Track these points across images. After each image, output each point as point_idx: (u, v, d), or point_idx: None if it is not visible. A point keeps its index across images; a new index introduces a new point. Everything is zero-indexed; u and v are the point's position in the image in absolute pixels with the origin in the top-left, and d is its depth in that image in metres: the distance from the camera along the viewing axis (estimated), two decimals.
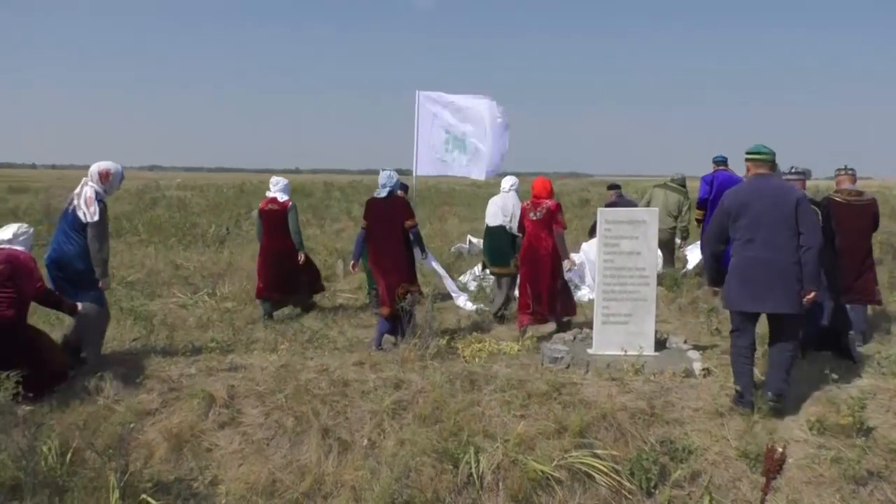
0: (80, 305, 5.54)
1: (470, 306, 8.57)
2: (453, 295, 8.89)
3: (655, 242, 6.12)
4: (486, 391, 5.01)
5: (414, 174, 9.32)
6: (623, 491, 4.17)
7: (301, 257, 8.11)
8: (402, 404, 4.88)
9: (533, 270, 7.06)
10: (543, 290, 7.01)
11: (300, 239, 8.18)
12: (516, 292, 7.84)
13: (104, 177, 5.76)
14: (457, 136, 9.20)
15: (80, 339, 5.73)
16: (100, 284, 5.70)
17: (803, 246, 4.74)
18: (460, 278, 10.07)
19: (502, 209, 8.05)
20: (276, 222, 8.09)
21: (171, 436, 4.67)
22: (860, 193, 6.75)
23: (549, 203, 7.15)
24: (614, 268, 6.09)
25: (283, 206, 8.11)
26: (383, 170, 7.11)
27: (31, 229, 5.65)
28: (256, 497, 4.21)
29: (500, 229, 8.04)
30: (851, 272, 6.49)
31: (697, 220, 9.72)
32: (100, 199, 5.66)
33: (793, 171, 6.29)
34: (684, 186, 10.15)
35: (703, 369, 5.60)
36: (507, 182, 8.32)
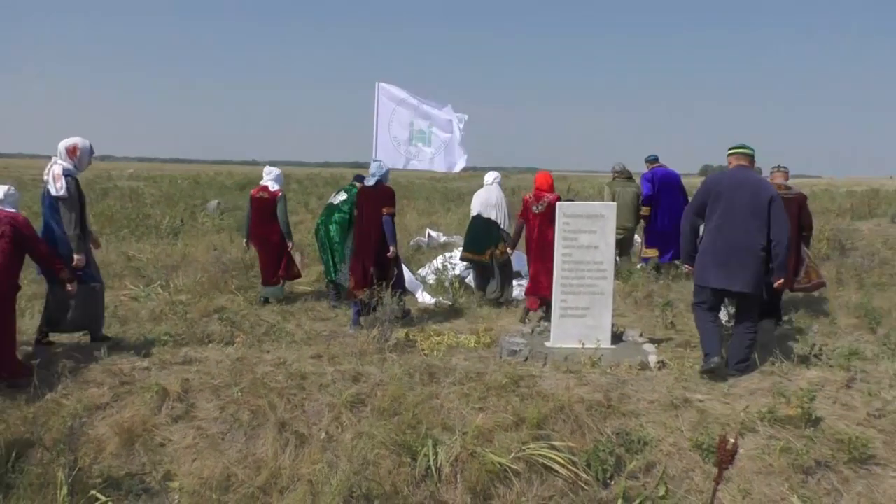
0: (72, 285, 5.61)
1: (429, 299, 8.57)
2: (410, 288, 8.89)
3: (613, 237, 6.18)
4: (444, 384, 5.00)
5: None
6: (580, 482, 4.20)
7: (290, 245, 8.45)
8: (361, 397, 4.85)
9: (540, 259, 7.33)
10: (550, 276, 7.19)
11: (288, 227, 8.47)
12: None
13: (72, 152, 5.77)
14: (421, 129, 9.20)
15: (80, 317, 5.84)
16: (74, 261, 5.65)
17: (773, 240, 5.24)
18: (419, 271, 10.05)
19: (485, 201, 8.43)
20: (264, 210, 8.37)
21: (122, 430, 4.56)
22: (789, 188, 7.39)
23: (550, 196, 7.49)
24: (572, 261, 6.13)
25: (273, 195, 8.40)
26: (374, 160, 7.62)
27: (18, 191, 5.66)
28: (210, 492, 4.14)
29: (482, 220, 8.38)
30: None
31: (644, 217, 9.96)
32: (68, 175, 5.65)
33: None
34: (632, 178, 10.47)
35: (659, 362, 5.69)
36: (491, 176, 8.75)
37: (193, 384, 5.02)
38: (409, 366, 5.25)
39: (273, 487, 4.20)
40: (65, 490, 3.94)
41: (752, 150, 5.56)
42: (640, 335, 6.46)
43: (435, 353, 6.08)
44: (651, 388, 5.09)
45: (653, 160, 10.36)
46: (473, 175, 31.05)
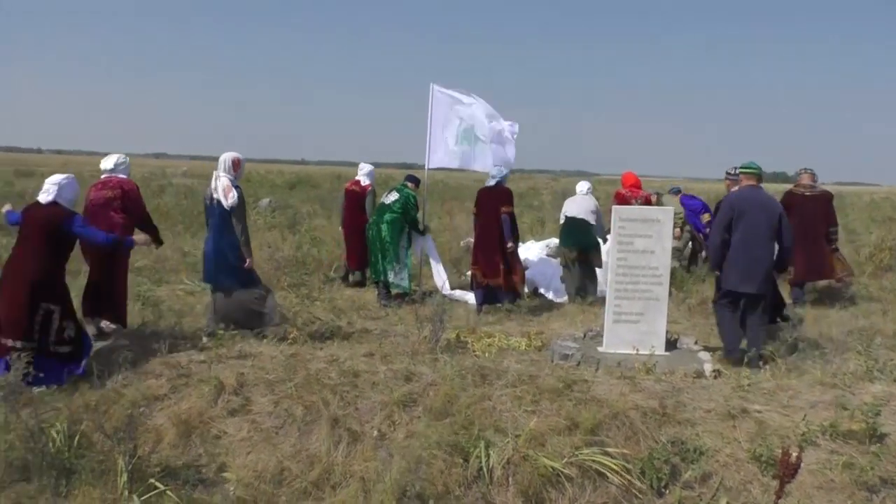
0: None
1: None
2: (439, 285, 8.91)
3: (669, 242, 6.09)
4: (496, 386, 4.97)
5: (426, 168, 9.27)
6: (633, 490, 4.13)
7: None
8: (413, 397, 4.85)
9: None
10: None
11: None
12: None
13: (236, 165, 6.21)
14: (467, 129, 9.18)
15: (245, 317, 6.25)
16: (246, 264, 6.15)
17: (784, 246, 6.23)
18: (468, 272, 10.04)
19: (583, 207, 8.78)
20: (355, 202, 9.41)
21: (179, 421, 4.65)
22: (814, 187, 8.58)
23: (645, 193, 8.80)
24: (627, 266, 6.06)
25: (364, 189, 9.44)
26: (495, 164, 8.51)
27: (128, 158, 6.50)
28: (264, 485, 4.20)
29: (583, 221, 8.70)
30: (806, 251, 8.21)
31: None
32: (235, 186, 6.10)
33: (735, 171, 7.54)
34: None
35: (714, 370, 5.58)
36: (585, 186, 9.25)
37: (248, 378, 5.09)
38: (460, 366, 5.23)
39: (325, 483, 4.23)
40: (125, 477, 4.03)
41: (759, 168, 6.40)
42: (695, 343, 6.36)
43: (486, 354, 6.06)
44: (707, 396, 4.99)
45: (676, 192, 11.32)
46: (522, 177, 30.92)
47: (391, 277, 8.41)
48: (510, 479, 4.16)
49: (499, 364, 5.44)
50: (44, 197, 5.31)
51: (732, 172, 7.90)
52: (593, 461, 4.18)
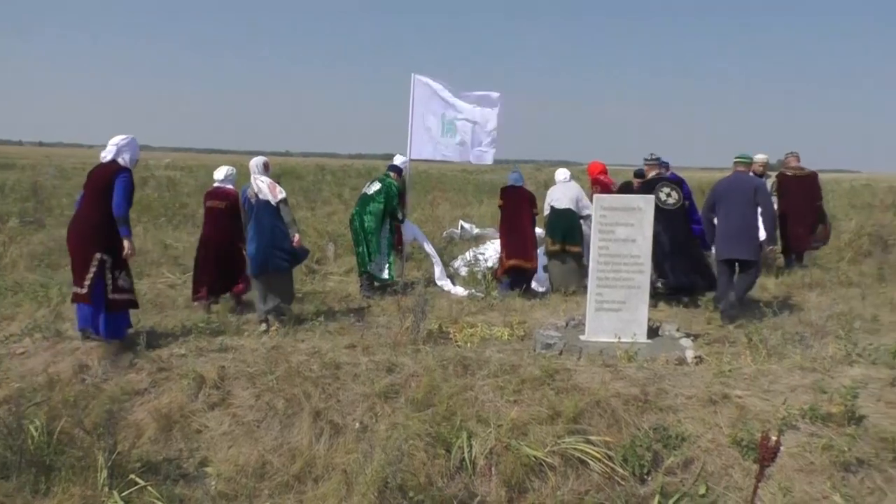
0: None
1: (461, 291, 8.55)
2: (438, 280, 8.88)
3: (651, 230, 6.09)
4: (478, 376, 4.97)
5: (408, 158, 9.23)
6: (616, 477, 4.15)
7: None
8: (395, 388, 4.84)
9: None
10: None
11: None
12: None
13: (266, 166, 7.05)
14: (450, 120, 9.14)
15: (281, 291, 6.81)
16: (295, 241, 6.82)
17: (763, 216, 7.35)
18: (452, 263, 10.03)
19: (567, 195, 8.81)
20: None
21: (160, 416, 4.63)
22: (802, 168, 10.02)
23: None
24: (608, 255, 6.06)
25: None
26: (514, 170, 9.32)
27: (235, 169, 7.70)
28: (246, 479, 4.18)
29: (570, 212, 8.71)
30: (798, 225, 9.67)
31: None
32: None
33: (652, 157, 8.72)
34: None
35: (696, 357, 5.60)
36: (565, 173, 9.32)
37: (229, 372, 5.07)
38: (442, 357, 5.23)
39: (308, 476, 4.22)
40: (104, 473, 4.01)
41: (750, 158, 7.79)
42: (677, 330, 6.38)
43: (468, 344, 6.05)
44: (689, 383, 5.01)
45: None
46: (504, 168, 30.86)
47: (373, 268, 8.39)
48: (493, 469, 4.16)
49: (481, 354, 5.45)
50: (104, 156, 5.80)
51: (649, 158, 8.68)
52: (575, 449, 4.19)
